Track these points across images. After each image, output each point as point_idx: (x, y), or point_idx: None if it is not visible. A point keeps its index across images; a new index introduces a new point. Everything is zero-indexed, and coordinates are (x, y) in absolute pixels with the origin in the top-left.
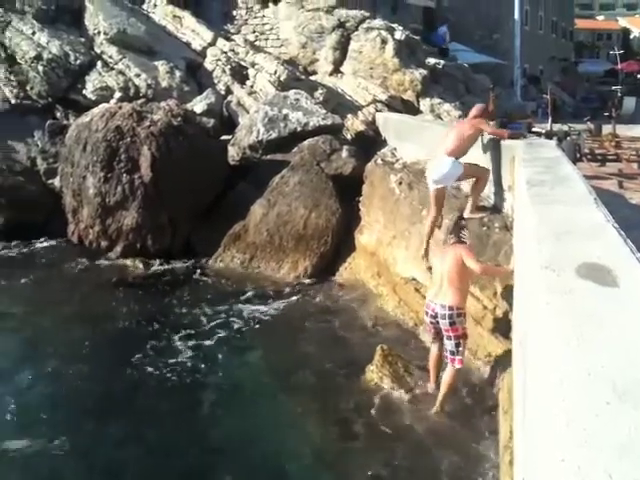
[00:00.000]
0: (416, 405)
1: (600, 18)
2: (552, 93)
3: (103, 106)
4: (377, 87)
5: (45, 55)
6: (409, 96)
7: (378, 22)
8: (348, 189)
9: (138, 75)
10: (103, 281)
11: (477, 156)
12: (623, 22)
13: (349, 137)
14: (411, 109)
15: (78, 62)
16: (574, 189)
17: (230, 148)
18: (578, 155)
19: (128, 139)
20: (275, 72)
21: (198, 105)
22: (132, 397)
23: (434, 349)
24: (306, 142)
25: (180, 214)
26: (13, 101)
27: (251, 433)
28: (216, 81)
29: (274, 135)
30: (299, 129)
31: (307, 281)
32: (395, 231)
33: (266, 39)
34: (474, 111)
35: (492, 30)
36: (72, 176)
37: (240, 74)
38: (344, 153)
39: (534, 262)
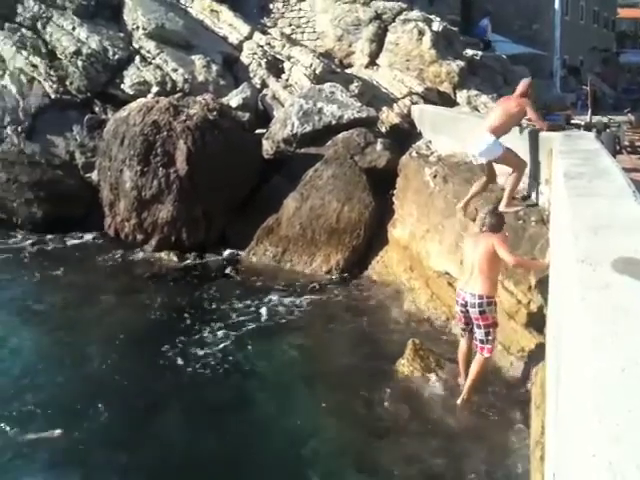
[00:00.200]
0: (447, 399)
1: None
2: (592, 84)
3: (140, 100)
4: (413, 79)
5: (84, 50)
6: (446, 88)
7: (415, 13)
8: (382, 182)
9: (175, 70)
10: (137, 274)
11: (515, 147)
12: None
13: (384, 130)
14: (447, 101)
15: (116, 57)
16: (613, 182)
17: (264, 142)
18: (618, 147)
19: (164, 133)
20: (311, 65)
21: (234, 99)
22: (163, 387)
23: (463, 344)
24: (340, 135)
25: (215, 208)
26: (53, 96)
27: (281, 423)
28: (252, 75)
29: (308, 128)
30: (334, 122)
31: (339, 275)
32: (429, 225)
33: (302, 32)
34: (521, 87)
35: (532, 20)
36: (109, 170)
37: (276, 67)
38: (378, 146)
39: (570, 256)
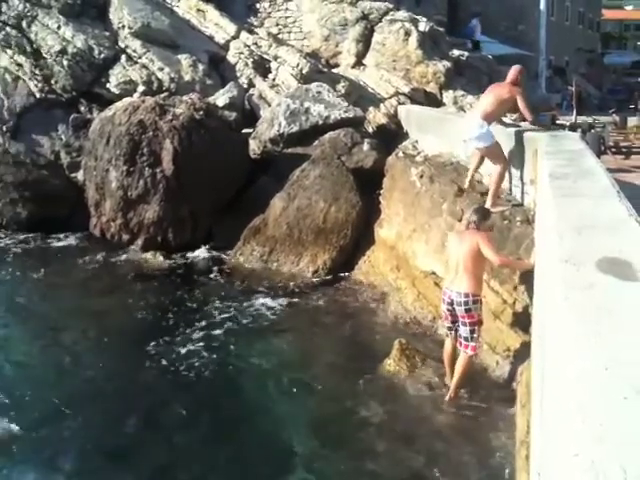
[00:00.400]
0: (433, 398)
1: (628, 8)
2: (577, 85)
3: (126, 100)
4: (400, 79)
5: (70, 49)
6: (432, 88)
7: (402, 14)
8: (369, 182)
9: (161, 69)
10: (123, 274)
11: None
12: None
13: (371, 130)
14: (434, 101)
15: (102, 56)
16: (597, 182)
17: (251, 142)
18: (602, 148)
19: (150, 133)
20: (297, 65)
21: (220, 98)
22: (146, 387)
23: (448, 343)
24: (327, 135)
25: (201, 208)
26: (38, 95)
27: (265, 423)
28: (239, 74)
29: (295, 128)
30: (320, 122)
31: (325, 275)
32: (415, 224)
33: (289, 32)
34: (511, 74)
35: (517, 21)
36: (95, 170)
37: (263, 67)
38: (365, 146)
39: (554, 256)
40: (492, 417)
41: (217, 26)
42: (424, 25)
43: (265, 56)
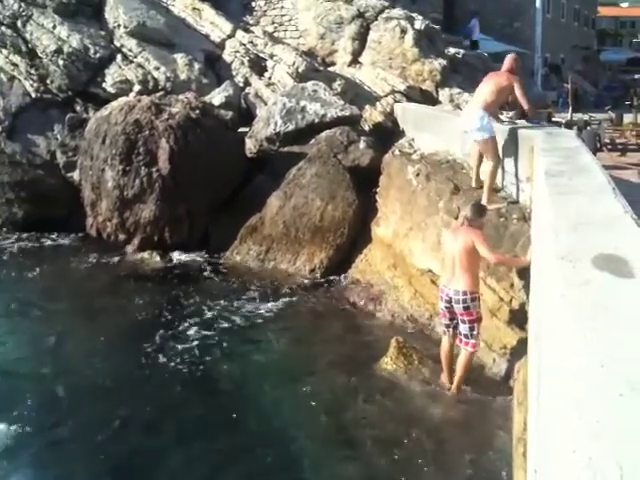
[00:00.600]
0: (430, 396)
1: (624, 5)
2: (573, 82)
3: (122, 99)
4: (396, 77)
5: (65, 49)
6: (428, 86)
7: (398, 12)
8: (365, 181)
9: (157, 68)
10: (119, 274)
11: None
12: None
13: (367, 128)
14: (430, 99)
15: (98, 55)
16: (593, 179)
17: (247, 140)
18: (598, 145)
19: (146, 132)
20: (293, 63)
21: (216, 97)
22: (141, 388)
23: (445, 341)
24: (323, 134)
25: (198, 207)
26: (34, 95)
27: (262, 419)
28: (234, 73)
29: (291, 127)
30: (317, 121)
31: (322, 273)
32: (412, 222)
33: (285, 30)
34: (507, 63)
35: (513, 18)
36: (91, 169)
37: (259, 66)
38: (361, 144)
39: (550, 253)
40: (489, 414)
41: (213, 25)
42: (420, 23)
43: (261, 55)
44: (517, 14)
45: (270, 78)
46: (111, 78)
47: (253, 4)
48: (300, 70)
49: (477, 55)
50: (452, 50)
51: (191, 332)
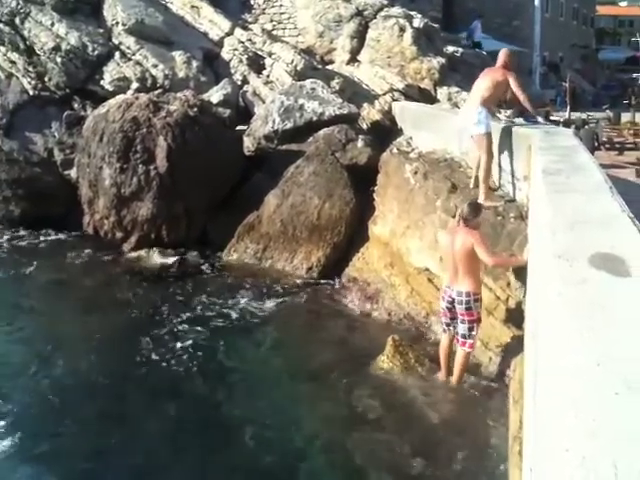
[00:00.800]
0: (426, 394)
1: (623, 4)
2: (571, 81)
3: (120, 97)
4: (394, 76)
5: (64, 46)
6: (426, 85)
7: (396, 10)
8: (363, 179)
9: (155, 66)
10: (115, 271)
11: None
12: None
13: (365, 126)
14: (428, 98)
15: (96, 53)
16: (590, 178)
17: (245, 138)
18: (596, 144)
19: (144, 130)
20: (292, 61)
21: (214, 95)
22: (135, 386)
23: (445, 339)
24: (321, 132)
25: (195, 205)
26: (31, 92)
27: (257, 418)
28: (233, 71)
29: (289, 125)
30: (315, 119)
31: (319, 272)
32: (409, 221)
33: (283, 28)
34: (501, 57)
35: (512, 17)
36: (88, 167)
37: (257, 64)
38: (359, 143)
39: (547, 252)
40: (485, 413)
41: (211, 22)
42: (419, 21)
43: (259, 52)
44: (516, 13)
45: (268, 76)
46: (109, 76)
47: (252, 2)
48: (298, 68)
49: (476, 54)
50: (451, 49)
51: (187, 330)
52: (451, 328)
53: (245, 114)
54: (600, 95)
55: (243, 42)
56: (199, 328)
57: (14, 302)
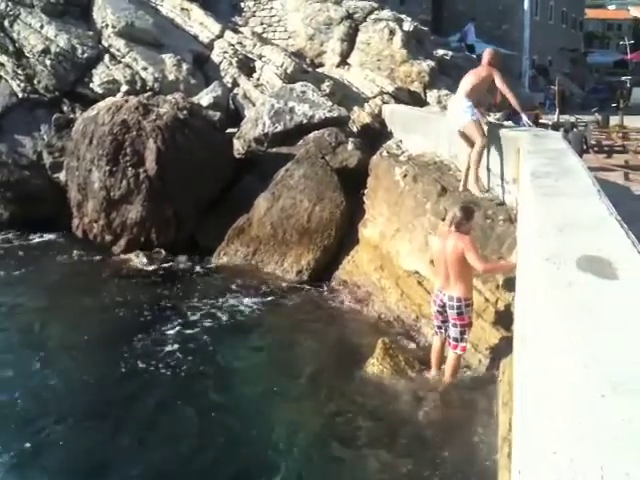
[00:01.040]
0: (416, 397)
1: (611, 8)
2: (560, 84)
3: (110, 100)
4: (384, 79)
5: (53, 49)
6: (416, 87)
7: (386, 13)
8: (353, 182)
9: (145, 68)
10: (104, 274)
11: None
12: (634, 12)
13: (355, 129)
14: (418, 101)
15: (85, 55)
16: (578, 181)
17: (236, 141)
18: (585, 147)
19: (134, 133)
20: (282, 64)
21: (204, 98)
22: (123, 389)
23: (437, 340)
24: (312, 135)
25: (185, 208)
26: (20, 95)
27: (242, 423)
28: (223, 74)
29: (280, 128)
30: (305, 122)
31: (309, 275)
32: (399, 224)
33: (274, 31)
34: (486, 56)
35: (501, 21)
36: (78, 170)
37: (247, 66)
38: (349, 146)
39: (535, 255)
40: (475, 415)
41: (201, 25)
42: (408, 24)
43: (249, 55)
44: (505, 16)
45: (259, 79)
46: (99, 78)
47: (242, 5)
48: (289, 71)
49: (465, 57)
50: (440, 52)
51: (175, 333)
52: (442, 331)
53: (235, 117)
54: (589, 98)
55: (233, 45)
56: (188, 331)
57: (1, 304)
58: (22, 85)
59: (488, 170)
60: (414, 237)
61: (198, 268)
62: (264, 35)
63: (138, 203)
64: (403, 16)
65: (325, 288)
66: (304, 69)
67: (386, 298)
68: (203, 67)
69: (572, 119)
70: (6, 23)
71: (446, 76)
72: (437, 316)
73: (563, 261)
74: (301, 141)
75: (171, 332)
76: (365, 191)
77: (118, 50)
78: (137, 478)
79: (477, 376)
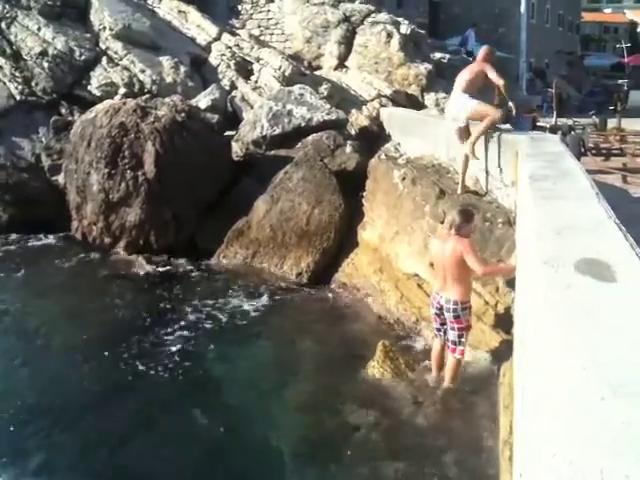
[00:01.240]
0: (417, 400)
1: (607, 11)
2: (557, 87)
3: (107, 102)
4: (382, 82)
5: (50, 51)
6: (414, 90)
7: (384, 16)
8: (352, 185)
9: (143, 71)
10: (102, 277)
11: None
12: (631, 15)
13: (353, 132)
14: (416, 104)
15: (83, 58)
16: (576, 184)
17: (234, 144)
18: (582, 149)
19: (132, 135)
20: (280, 67)
21: (202, 101)
22: (123, 390)
23: (437, 342)
24: (310, 137)
25: (184, 210)
26: (18, 97)
27: (242, 426)
28: (221, 76)
29: (278, 131)
30: (303, 124)
31: (309, 277)
32: (398, 227)
33: (271, 34)
34: (480, 53)
35: (498, 24)
36: (76, 172)
37: (245, 69)
38: (348, 148)
39: (534, 257)
40: (476, 418)
41: (199, 28)
42: (406, 27)
43: (247, 58)
44: (502, 19)
45: (256, 82)
46: (96, 81)
47: (239, 7)
48: (286, 74)
49: (463, 60)
50: (438, 55)
51: (175, 335)
52: (442, 333)
53: (233, 119)
54: (586, 101)
55: (231, 47)
56: (187, 332)
57: (0, 307)
58: (20, 88)
59: (487, 173)
60: (413, 240)
61: (197, 270)
62: (261, 38)
63: (137, 206)
64: (400, 19)
65: (324, 291)
66: (302, 72)
67: (386, 301)
68: (201, 70)
69: (570, 122)
70: (3, 25)
71: (443, 79)
72: (435, 318)
73: (562, 264)
74: (299, 144)
75: (170, 334)
76: (364, 194)
77: (116, 52)
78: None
79: (478, 379)
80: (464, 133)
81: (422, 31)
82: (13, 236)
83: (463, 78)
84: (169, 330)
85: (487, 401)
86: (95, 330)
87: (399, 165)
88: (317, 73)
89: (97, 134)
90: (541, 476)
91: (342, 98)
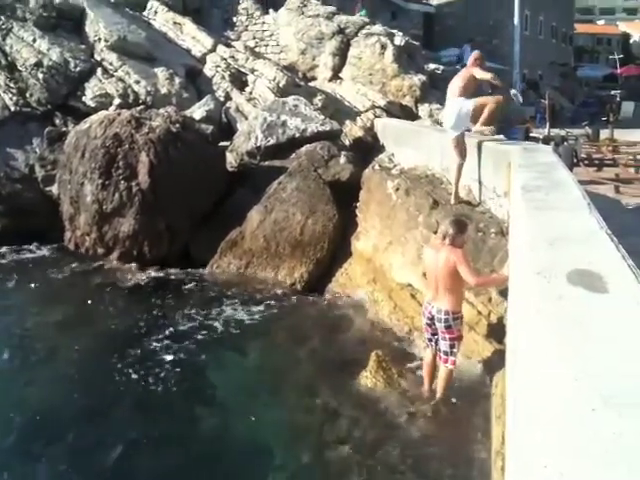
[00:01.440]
0: (409, 410)
1: (600, 23)
2: (550, 98)
3: (102, 113)
4: (376, 93)
5: (45, 62)
6: (408, 102)
7: (378, 28)
8: (345, 195)
9: (138, 82)
10: (95, 287)
11: (473, 161)
12: (623, 27)
13: (347, 143)
14: (410, 115)
15: (78, 69)
16: (569, 195)
17: (228, 154)
18: (575, 160)
19: (126, 146)
20: (274, 78)
21: (197, 111)
22: (116, 402)
23: (428, 353)
24: (304, 148)
25: (178, 221)
26: (13, 108)
27: (234, 436)
28: (215, 87)
29: (272, 141)
30: (297, 135)
31: (302, 288)
32: (391, 237)
33: (266, 45)
34: (470, 59)
35: (492, 35)
36: (70, 183)
37: (239, 80)
38: (342, 159)
39: (527, 268)
40: (469, 429)
41: (194, 39)
42: (400, 39)
43: (242, 69)
44: (496, 31)
45: (251, 93)
46: (91, 92)
47: (234, 19)
48: (281, 85)
49: (456, 71)
50: (432, 66)
51: (168, 344)
52: (433, 344)
53: (228, 130)
54: (579, 112)
55: (226, 59)
56: (180, 341)
57: None
58: (14, 98)
59: (480, 183)
60: (407, 250)
61: (191, 280)
62: (256, 49)
63: (131, 216)
64: (394, 31)
65: (318, 301)
66: (296, 83)
67: (379, 310)
68: (195, 81)
69: (562, 133)
70: None
71: (437, 90)
72: (427, 328)
73: (554, 275)
74: (293, 154)
75: (164, 343)
76: (357, 204)
77: (110, 64)
78: None
79: (470, 389)
80: (461, 143)
81: (416, 43)
82: (7, 247)
83: (456, 85)
84: (163, 339)
85: (479, 411)
86: (89, 340)
87: (393, 176)
88: (311, 84)
89: (91, 145)
90: None
91: (336, 109)
